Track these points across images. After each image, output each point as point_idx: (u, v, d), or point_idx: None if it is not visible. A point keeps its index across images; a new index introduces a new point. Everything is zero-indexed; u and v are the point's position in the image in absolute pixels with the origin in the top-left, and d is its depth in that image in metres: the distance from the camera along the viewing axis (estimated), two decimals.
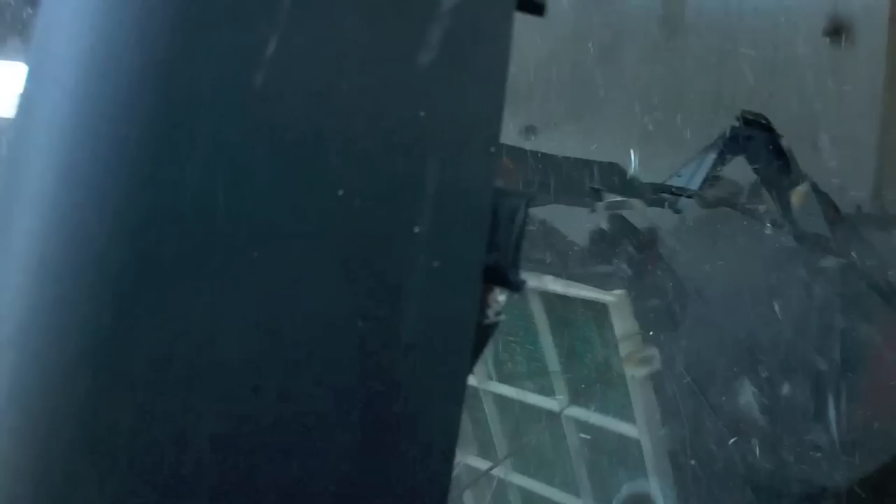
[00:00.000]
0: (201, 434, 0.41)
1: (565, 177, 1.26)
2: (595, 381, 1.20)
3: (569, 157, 1.33)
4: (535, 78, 2.09)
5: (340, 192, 0.41)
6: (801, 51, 1.85)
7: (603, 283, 1.10)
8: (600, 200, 1.22)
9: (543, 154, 1.29)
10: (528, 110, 2.11)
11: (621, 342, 1.14)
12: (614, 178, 1.33)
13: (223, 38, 0.43)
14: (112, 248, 0.42)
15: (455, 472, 1.44)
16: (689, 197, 1.34)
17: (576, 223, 1.47)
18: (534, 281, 1.17)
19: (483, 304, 0.47)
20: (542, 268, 1.16)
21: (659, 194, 1.33)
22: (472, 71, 0.44)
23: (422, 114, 0.42)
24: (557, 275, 1.14)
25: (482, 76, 0.45)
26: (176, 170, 0.42)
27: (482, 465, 1.43)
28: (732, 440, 1.22)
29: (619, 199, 1.25)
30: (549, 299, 1.18)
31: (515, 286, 0.44)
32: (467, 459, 1.44)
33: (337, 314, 0.42)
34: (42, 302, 0.43)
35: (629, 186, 1.31)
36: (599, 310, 1.14)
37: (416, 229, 0.42)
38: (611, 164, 1.38)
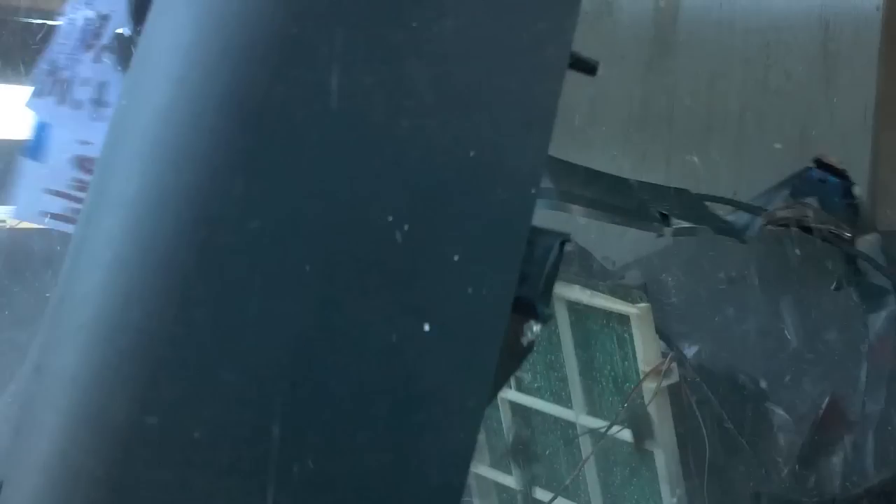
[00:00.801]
0: (239, 424, 0.43)
1: (634, 200, 1.23)
2: (613, 392, 1.17)
3: (640, 181, 1.31)
4: None
5: (390, 219, 0.43)
6: (793, 70, 1.82)
7: (626, 295, 1.06)
8: (668, 226, 1.18)
9: (613, 176, 1.28)
10: None
11: (641, 354, 1.10)
12: (683, 204, 1.29)
13: (306, 76, 0.45)
14: (179, 254, 0.43)
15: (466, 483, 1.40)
16: (757, 215, 1.30)
17: (604, 240, 1.44)
18: (560, 289, 1.13)
19: (518, 332, 0.49)
20: (568, 277, 1.12)
21: (727, 222, 1.30)
22: (521, 123, 0.47)
23: (472, 154, 0.44)
24: (583, 285, 1.10)
25: (530, 128, 0.47)
26: (249, 189, 0.44)
27: (493, 475, 1.39)
28: (747, 453, 1.18)
29: (686, 225, 1.21)
30: (574, 308, 1.15)
31: (543, 318, 0.46)
32: (479, 469, 1.40)
33: (375, 329, 0.43)
34: (113, 296, 0.44)
35: (698, 213, 1.28)
36: (622, 321, 1.11)
37: (455, 258, 0.43)
38: (680, 189, 1.36)
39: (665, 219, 1.17)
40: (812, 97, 1.78)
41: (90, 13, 1.02)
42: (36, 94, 1.01)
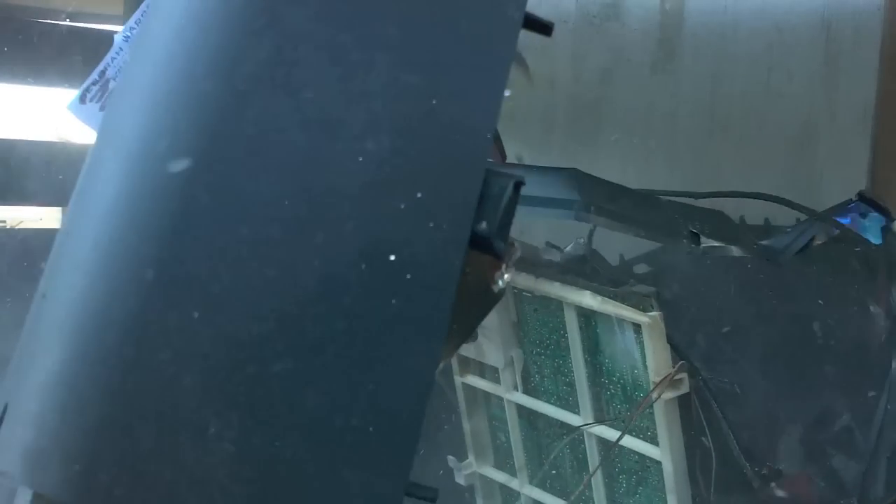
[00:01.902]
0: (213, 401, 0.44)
1: (664, 217, 1.18)
2: (622, 400, 1.07)
3: (671, 201, 1.27)
4: (534, 100, 2.01)
5: (360, 159, 0.46)
6: (795, 71, 1.76)
7: (638, 302, 0.97)
8: (698, 244, 1.13)
9: (642, 192, 1.24)
10: (527, 131, 2.03)
11: (652, 363, 1.01)
12: (715, 224, 1.24)
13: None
14: (153, 251, 0.46)
15: (470, 482, 1.33)
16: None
17: (610, 238, 1.38)
18: (570, 294, 1.05)
19: (490, 277, 0.53)
20: (581, 283, 1.04)
21: (761, 245, 1.25)
22: (477, 72, 0.49)
23: (434, 102, 0.47)
24: (594, 290, 1.01)
25: (486, 76, 0.49)
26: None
27: (498, 476, 1.31)
28: (755, 468, 1.09)
29: (717, 244, 1.16)
30: (584, 314, 1.07)
31: (497, 253, 0.48)
32: (483, 469, 1.32)
33: (343, 257, 0.45)
34: (93, 294, 0.46)
35: (730, 234, 1.23)
36: (633, 329, 1.02)
37: (419, 195, 0.46)
38: (714, 211, 1.32)
39: (695, 237, 1.10)
40: (813, 97, 1.73)
41: None
42: (80, 100, 0.97)
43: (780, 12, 1.78)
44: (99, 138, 0.54)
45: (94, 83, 0.94)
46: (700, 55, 1.86)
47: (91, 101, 0.94)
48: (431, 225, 0.46)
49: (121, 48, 0.96)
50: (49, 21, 1.52)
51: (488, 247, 0.48)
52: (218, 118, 0.47)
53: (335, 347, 0.45)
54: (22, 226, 1.49)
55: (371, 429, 0.45)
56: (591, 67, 1.97)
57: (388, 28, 0.48)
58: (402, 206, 0.46)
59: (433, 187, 0.47)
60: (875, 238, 1.33)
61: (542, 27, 0.54)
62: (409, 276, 0.46)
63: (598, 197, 1.09)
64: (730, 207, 1.60)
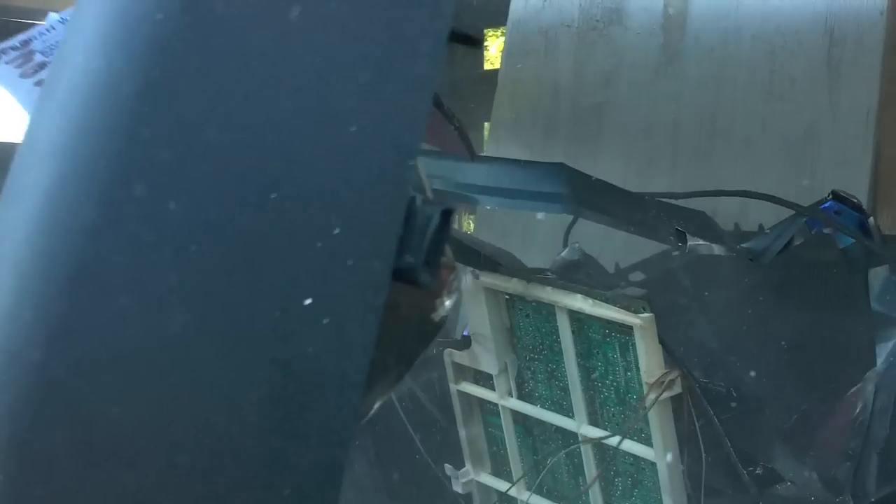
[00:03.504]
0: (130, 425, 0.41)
1: (651, 217, 1.18)
2: (615, 403, 1.08)
3: (656, 200, 1.26)
4: (537, 103, 2.02)
5: (273, 196, 0.43)
6: (797, 75, 1.77)
7: (630, 304, 0.98)
8: (684, 242, 1.13)
9: (629, 191, 1.23)
10: (531, 136, 2.04)
11: (644, 365, 1.01)
12: (699, 225, 1.24)
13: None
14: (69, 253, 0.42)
15: (468, 490, 1.33)
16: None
17: (607, 249, 1.39)
18: (562, 298, 1.05)
19: (428, 306, 0.51)
20: (572, 286, 1.04)
21: (742, 245, 1.26)
22: (397, 96, 0.46)
23: (353, 129, 0.44)
24: (585, 294, 1.01)
25: (407, 100, 0.46)
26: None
27: (495, 483, 1.31)
28: (748, 469, 1.09)
29: (701, 242, 1.17)
30: (577, 318, 1.06)
31: (423, 285, 0.46)
32: (480, 477, 1.32)
33: (259, 302, 0.42)
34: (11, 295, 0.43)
35: (713, 234, 1.24)
36: (625, 332, 1.02)
37: (336, 231, 0.43)
38: (697, 212, 1.32)
39: (681, 235, 1.11)
40: (816, 102, 1.72)
41: None
42: None
43: (782, 17, 1.78)
44: (30, 125, 0.50)
45: (13, 48, 0.90)
46: (703, 59, 1.85)
47: (8, 63, 0.90)
48: (350, 263, 0.43)
49: (53, 27, 0.94)
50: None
51: (413, 281, 0.46)
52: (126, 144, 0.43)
53: (245, 402, 0.42)
54: None
55: (287, 491, 0.42)
56: (594, 71, 1.97)
57: (294, 46, 0.44)
58: (319, 245, 0.43)
59: (351, 222, 0.44)
60: (850, 234, 1.34)
61: (470, 40, 0.52)
62: (326, 321, 0.43)
63: (584, 191, 1.10)
64: (732, 209, 1.61)
